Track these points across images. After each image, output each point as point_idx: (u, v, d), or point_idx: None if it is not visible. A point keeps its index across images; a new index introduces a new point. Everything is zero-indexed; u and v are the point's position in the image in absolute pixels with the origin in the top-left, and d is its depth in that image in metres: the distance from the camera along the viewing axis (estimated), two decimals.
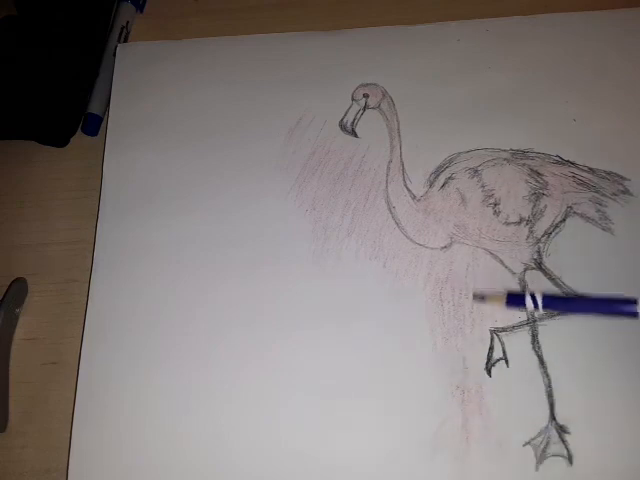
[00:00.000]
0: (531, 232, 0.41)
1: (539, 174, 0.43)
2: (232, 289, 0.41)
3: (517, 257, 0.40)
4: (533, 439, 0.36)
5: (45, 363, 0.41)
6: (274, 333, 0.39)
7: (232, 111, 0.47)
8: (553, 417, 0.36)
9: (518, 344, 0.38)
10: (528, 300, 0.35)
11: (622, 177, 0.42)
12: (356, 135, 0.45)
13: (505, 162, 0.43)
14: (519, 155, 0.44)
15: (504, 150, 0.44)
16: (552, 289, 0.39)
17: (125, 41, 0.52)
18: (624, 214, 0.41)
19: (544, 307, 0.35)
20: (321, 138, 0.45)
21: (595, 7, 0.49)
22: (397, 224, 0.42)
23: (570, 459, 0.35)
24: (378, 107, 0.46)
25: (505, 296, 0.36)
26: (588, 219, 0.41)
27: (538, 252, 0.41)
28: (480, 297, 0.38)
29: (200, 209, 0.44)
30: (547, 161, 0.43)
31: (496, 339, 0.38)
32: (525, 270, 0.40)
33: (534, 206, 0.42)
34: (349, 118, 0.46)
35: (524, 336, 0.38)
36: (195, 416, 0.38)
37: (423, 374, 0.38)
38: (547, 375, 0.37)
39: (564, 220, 0.41)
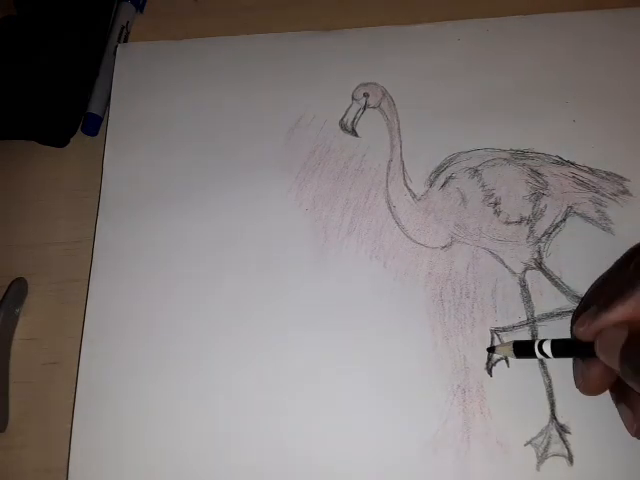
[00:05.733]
0: (531, 232, 0.41)
1: (539, 174, 0.43)
2: (232, 288, 0.41)
3: (517, 257, 0.40)
4: (534, 439, 0.36)
5: (45, 363, 0.41)
6: (274, 333, 0.39)
7: (232, 111, 0.47)
8: (554, 417, 0.36)
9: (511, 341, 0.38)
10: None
11: (622, 177, 0.42)
12: (356, 134, 0.45)
13: (505, 162, 0.43)
14: (519, 155, 0.44)
15: (504, 150, 0.44)
16: (553, 289, 0.39)
17: (125, 41, 0.52)
18: (624, 214, 0.41)
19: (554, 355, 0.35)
20: (321, 137, 0.45)
21: (595, 7, 0.49)
22: (397, 223, 0.42)
23: (570, 459, 0.35)
24: (378, 106, 0.46)
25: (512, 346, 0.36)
26: (588, 219, 0.41)
27: (538, 252, 0.41)
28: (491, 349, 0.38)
29: (200, 208, 0.44)
30: (547, 161, 0.43)
31: (497, 339, 0.38)
32: (525, 270, 0.40)
33: (534, 206, 0.42)
34: (349, 117, 0.46)
35: (524, 336, 0.38)
36: (195, 416, 0.38)
37: (424, 374, 0.38)
38: (547, 375, 0.37)
39: (564, 220, 0.41)
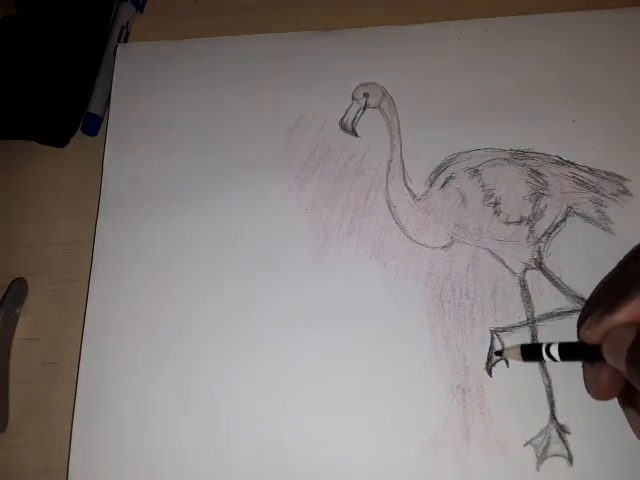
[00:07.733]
0: (531, 232, 0.41)
1: (539, 174, 0.43)
2: (232, 289, 0.41)
3: (517, 257, 0.40)
4: (534, 439, 0.36)
5: (45, 363, 0.41)
6: (274, 333, 0.39)
7: (232, 110, 0.47)
8: (553, 417, 0.36)
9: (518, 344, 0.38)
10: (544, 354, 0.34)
11: (622, 177, 0.42)
12: (356, 134, 0.45)
13: (505, 162, 0.43)
14: (519, 155, 0.44)
15: (504, 150, 0.44)
16: (553, 289, 0.39)
17: (125, 41, 0.52)
18: (624, 214, 0.41)
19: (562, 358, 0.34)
20: (321, 137, 0.45)
21: (595, 7, 0.49)
22: (397, 223, 0.42)
23: (570, 459, 0.35)
24: (378, 106, 0.46)
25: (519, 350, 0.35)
26: (588, 219, 0.41)
27: (538, 252, 0.41)
28: (499, 353, 0.38)
29: (200, 209, 0.44)
30: (547, 161, 0.43)
31: (496, 339, 0.38)
32: (525, 270, 0.40)
33: (534, 206, 0.42)
34: (349, 117, 0.46)
35: (524, 336, 0.38)
36: (195, 417, 0.38)
37: (423, 374, 0.38)
38: (547, 375, 0.37)
39: (564, 220, 0.41)
